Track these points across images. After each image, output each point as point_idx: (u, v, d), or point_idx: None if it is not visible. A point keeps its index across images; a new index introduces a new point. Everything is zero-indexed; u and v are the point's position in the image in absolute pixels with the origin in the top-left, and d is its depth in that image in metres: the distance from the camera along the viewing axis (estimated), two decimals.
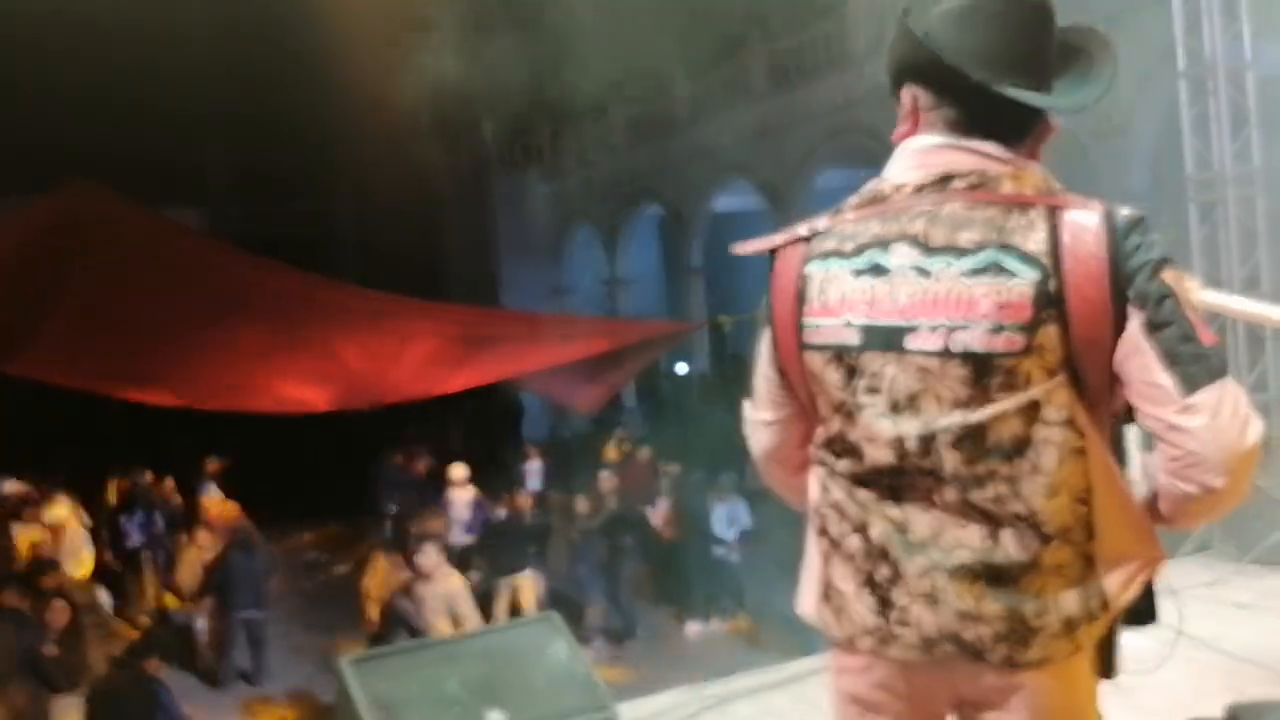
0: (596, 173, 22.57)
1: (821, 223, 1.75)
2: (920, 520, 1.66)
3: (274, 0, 15.90)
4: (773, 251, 1.80)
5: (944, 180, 1.66)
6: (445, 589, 8.08)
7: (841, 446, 1.72)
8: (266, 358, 11.09)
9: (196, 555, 10.21)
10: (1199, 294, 1.80)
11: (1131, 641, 1.73)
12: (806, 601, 1.83)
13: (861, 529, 1.71)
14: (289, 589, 12.68)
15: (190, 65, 18.80)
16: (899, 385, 1.64)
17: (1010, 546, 1.61)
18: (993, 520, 1.62)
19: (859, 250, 1.68)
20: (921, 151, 1.71)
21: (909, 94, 1.75)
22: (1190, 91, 7.47)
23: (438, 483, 13.07)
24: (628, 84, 21.34)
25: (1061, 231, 1.57)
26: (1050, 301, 1.55)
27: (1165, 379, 1.53)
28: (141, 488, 12.24)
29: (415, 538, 9.17)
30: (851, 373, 1.68)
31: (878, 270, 1.66)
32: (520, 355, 12.60)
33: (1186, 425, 1.52)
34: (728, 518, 10.75)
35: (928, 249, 1.62)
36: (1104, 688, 1.74)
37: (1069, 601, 1.61)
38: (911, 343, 1.63)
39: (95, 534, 11.87)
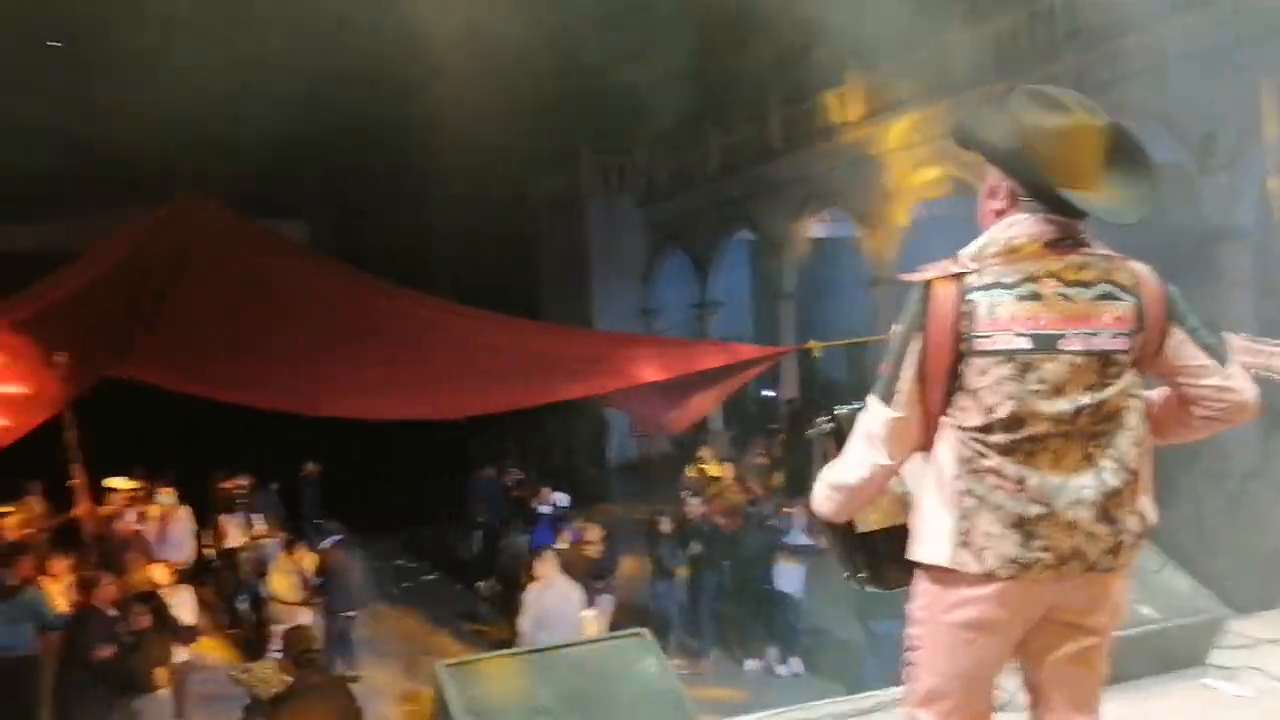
0: (690, 197, 22.73)
1: (967, 264, 2.38)
2: (1061, 470, 2.33)
3: (376, 27, 16.38)
4: (927, 283, 2.38)
5: (1059, 240, 2.38)
6: (555, 600, 8.20)
7: (1003, 424, 2.32)
8: (366, 368, 11.40)
9: (298, 557, 10.48)
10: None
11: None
12: (935, 551, 2.39)
13: (1019, 482, 2.32)
14: (379, 593, 12.95)
15: (295, 88, 19.40)
16: (1056, 376, 2.32)
17: (1112, 482, 2.34)
18: (1102, 464, 2.34)
19: (1018, 283, 2.33)
20: (1035, 220, 2.40)
21: (1004, 184, 2.45)
22: None
23: (525, 499, 13.32)
24: (723, 111, 21.53)
25: (1136, 274, 2.40)
26: (1139, 318, 2.36)
27: (1208, 360, 2.41)
28: (242, 490, 12.58)
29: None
30: (1022, 369, 2.32)
31: (1035, 296, 2.33)
32: (608, 374, 12.74)
33: (1232, 385, 2.42)
34: (798, 544, 10.58)
35: (1066, 282, 2.34)
36: None
37: (1133, 521, 2.38)
38: (1063, 346, 2.33)
39: (198, 533, 12.34)
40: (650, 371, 12.54)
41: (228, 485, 13.02)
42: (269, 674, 6.47)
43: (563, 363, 12.34)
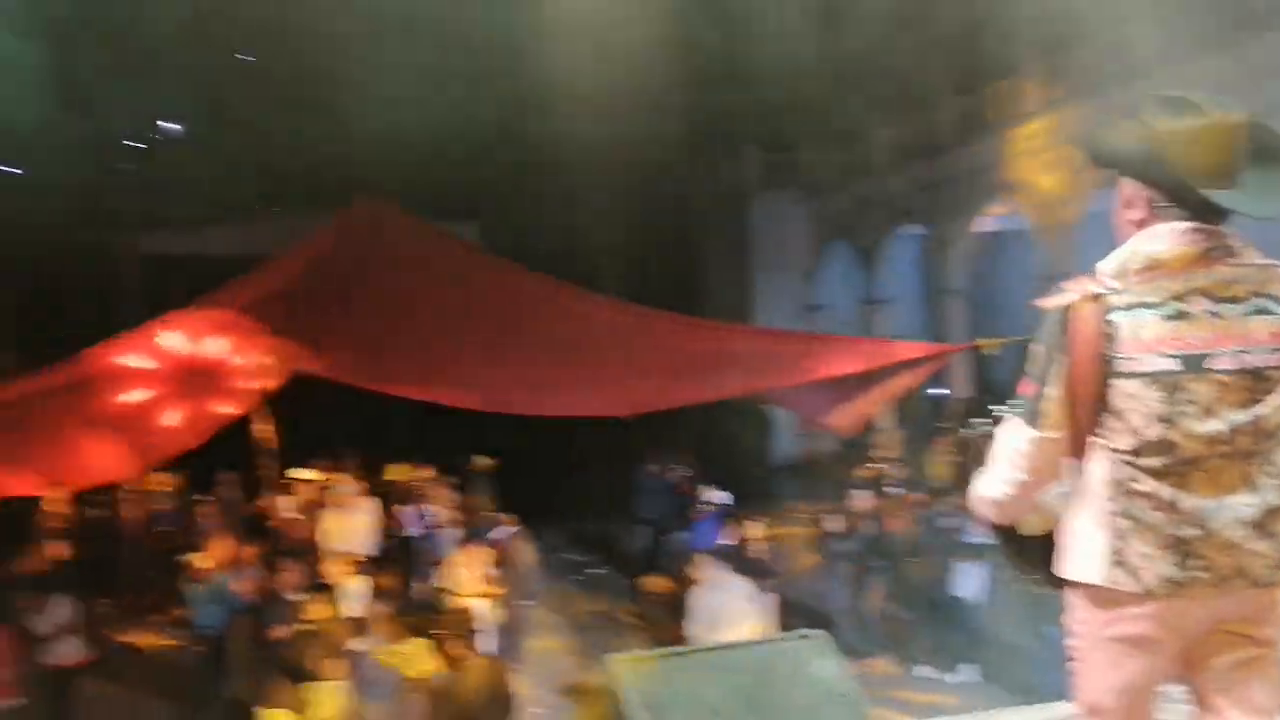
0: (856, 192, 22.36)
1: (1108, 283, 2.33)
2: (1218, 490, 2.28)
3: (540, 30, 16.66)
4: (1066, 306, 2.35)
5: (1206, 252, 2.32)
6: (718, 600, 8.21)
7: (1155, 447, 2.28)
8: (536, 365, 11.66)
9: (472, 549, 10.74)
10: None
11: None
12: (1088, 569, 2.38)
13: (1171, 505, 2.29)
14: (547, 585, 13.20)
15: (466, 91, 19.92)
16: (1205, 396, 2.26)
17: (1273, 500, 2.28)
18: (1262, 482, 2.28)
19: (1163, 302, 2.28)
20: (1178, 233, 2.34)
21: (1140, 193, 2.40)
22: None
23: (690, 496, 13.35)
24: (891, 103, 21.08)
25: None
26: None
27: None
28: (419, 482, 12.98)
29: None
30: (1170, 390, 2.26)
31: (1181, 315, 2.27)
32: (774, 371, 12.65)
33: None
34: (972, 550, 10.22)
35: (1215, 299, 2.27)
36: None
37: None
38: (1212, 365, 2.26)
39: (378, 524, 12.80)
40: (817, 369, 12.39)
41: (406, 477, 13.46)
42: (419, 653, 6.64)
43: (728, 360, 12.31)
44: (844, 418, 13.12)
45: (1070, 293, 2.37)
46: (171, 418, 11.33)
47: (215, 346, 11.26)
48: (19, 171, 19.73)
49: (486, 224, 25.99)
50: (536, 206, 25.80)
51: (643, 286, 17.94)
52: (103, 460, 11.92)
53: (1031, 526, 2.57)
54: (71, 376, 10.78)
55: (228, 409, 11.39)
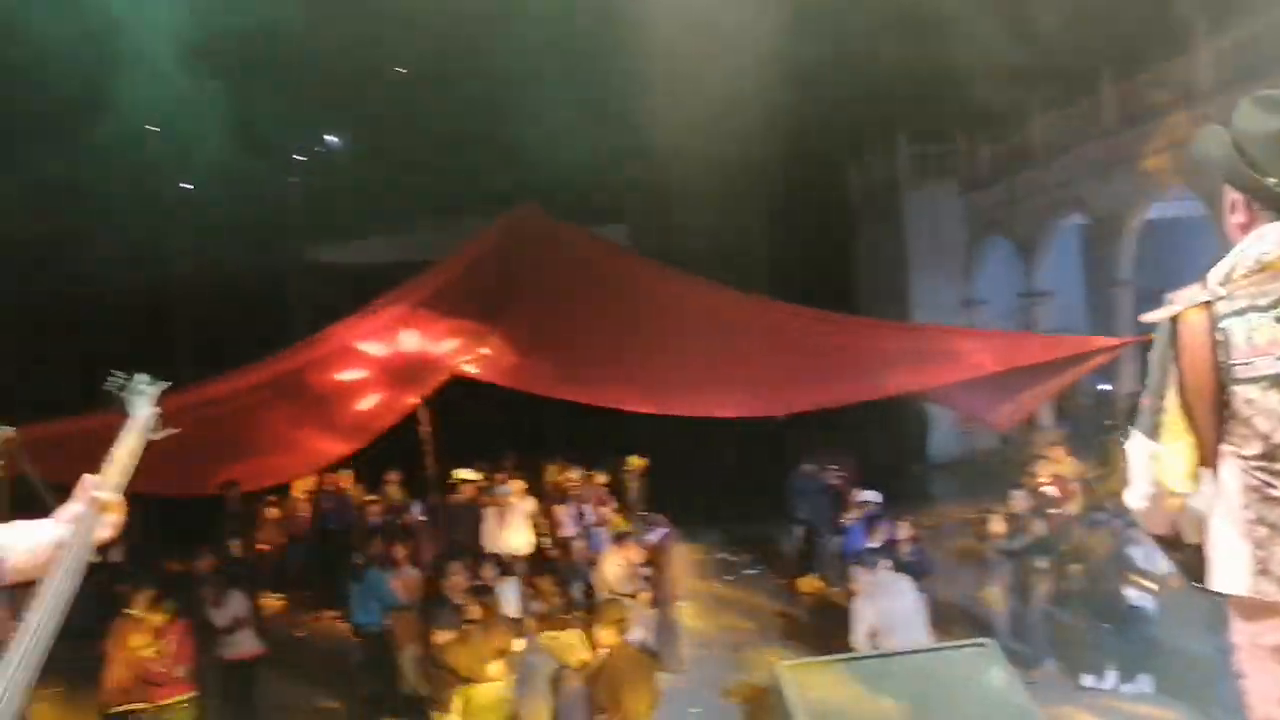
0: (1014, 182, 21.64)
1: (1216, 290, 2.28)
2: None
3: (691, 33, 16.68)
4: (1174, 318, 2.31)
5: None
6: (880, 605, 8.09)
7: None
8: (689, 365, 11.68)
9: (626, 548, 10.84)
10: None
11: None
12: (1234, 581, 2.31)
13: None
14: (700, 586, 13.24)
15: (615, 95, 20.12)
16: None
17: None
18: None
19: (1273, 304, 2.21)
20: None
21: (1240, 196, 2.36)
22: None
23: (844, 496, 13.17)
24: (1050, 90, 20.34)
25: None
26: None
27: None
28: (574, 482, 13.17)
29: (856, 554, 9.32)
30: None
31: None
32: (933, 368, 12.36)
33: None
34: (1144, 558, 9.30)
35: None
36: None
37: None
38: None
39: (535, 523, 13.07)
40: (977, 365, 12.06)
41: (560, 477, 13.68)
42: (576, 641, 6.72)
43: (885, 357, 12.09)
44: (1006, 414, 12.75)
45: (1177, 303, 2.34)
46: (372, 401, 11.96)
47: (420, 340, 11.78)
48: (189, 187, 20.89)
49: (634, 226, 26.27)
50: (684, 208, 25.96)
51: (795, 284, 17.80)
52: (313, 448, 12.72)
53: (1191, 533, 2.49)
54: (269, 375, 11.34)
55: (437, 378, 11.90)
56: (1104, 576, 9.27)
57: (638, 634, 10.01)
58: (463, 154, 21.44)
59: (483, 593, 8.86)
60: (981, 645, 4.18)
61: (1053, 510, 11.16)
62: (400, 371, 12.05)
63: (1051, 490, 11.65)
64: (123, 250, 18.43)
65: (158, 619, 7.92)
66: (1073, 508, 11.56)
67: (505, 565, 10.71)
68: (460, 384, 13.34)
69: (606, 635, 6.80)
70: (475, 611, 8.14)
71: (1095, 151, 19.11)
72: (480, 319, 12.05)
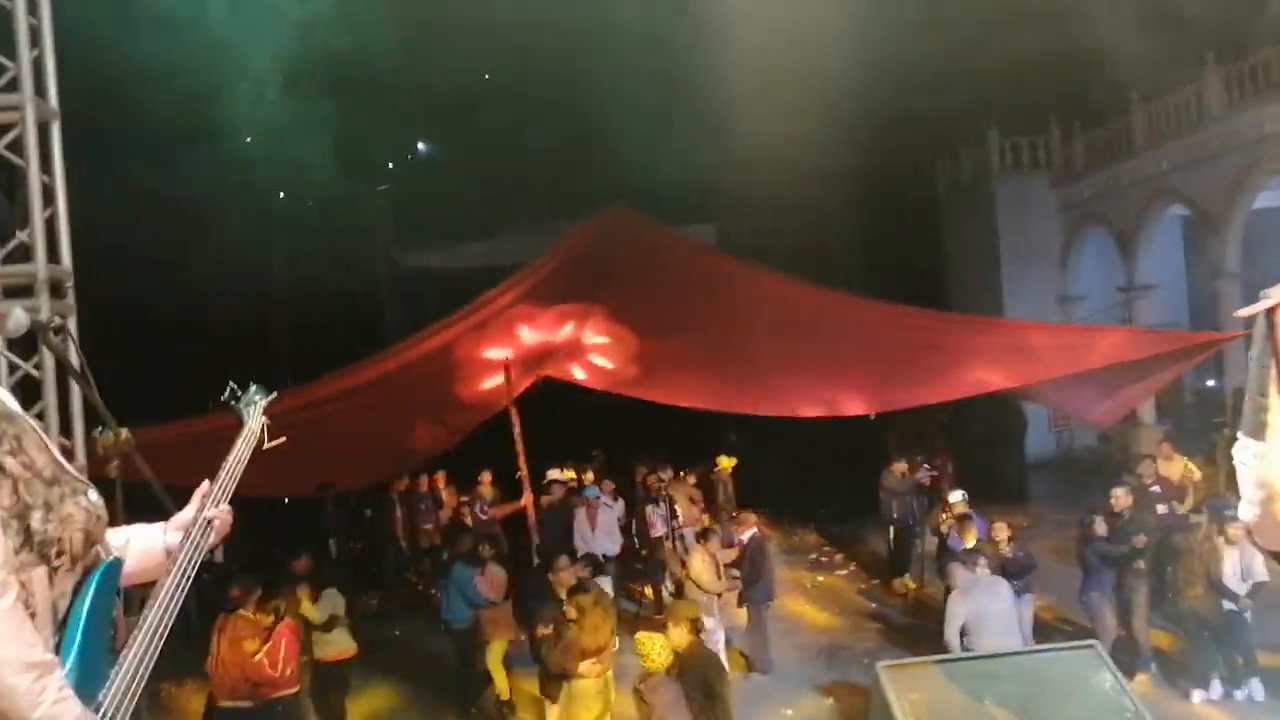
0: (1111, 174, 21.03)
1: None
2: None
3: (773, 27, 16.56)
4: (1269, 312, 2.24)
5: None
6: (981, 602, 7.91)
7: None
8: (779, 365, 11.61)
9: (715, 548, 10.81)
10: None
11: None
12: None
13: None
14: (791, 586, 13.15)
15: (701, 100, 20.10)
16: None
17: None
18: None
19: None
20: None
21: None
22: None
23: (936, 496, 12.98)
24: (1147, 76, 19.73)
25: None
26: None
27: None
28: (664, 483, 13.18)
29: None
30: None
31: None
32: (1029, 366, 12.10)
33: None
34: (1240, 566, 8.89)
35: None
36: None
37: None
38: None
39: (625, 523, 13.12)
40: (1077, 361, 11.78)
41: (651, 477, 13.70)
42: (658, 646, 6.72)
43: (980, 354, 11.88)
44: (1107, 412, 12.44)
45: (1272, 297, 2.26)
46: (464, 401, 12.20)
47: (514, 340, 11.95)
48: (283, 194, 21.43)
49: (722, 225, 26.22)
50: (772, 206, 25.80)
51: (883, 281, 17.59)
52: (407, 449, 13.01)
53: None
54: (365, 378, 11.59)
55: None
56: (1205, 581, 8.93)
57: (720, 635, 10.03)
58: (549, 159, 21.65)
59: (581, 591, 8.89)
60: (1089, 647, 4.06)
61: (1160, 510, 10.84)
62: (492, 372, 12.20)
63: (1157, 490, 11.31)
64: (226, 259, 19.01)
65: (267, 619, 8.11)
66: (1180, 508, 11.22)
67: (598, 565, 10.75)
68: (551, 385, 13.46)
69: (678, 635, 6.81)
70: (573, 610, 8.18)
71: (1198, 140, 18.49)
72: (572, 319, 12.12)
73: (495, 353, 12.09)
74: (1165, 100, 19.49)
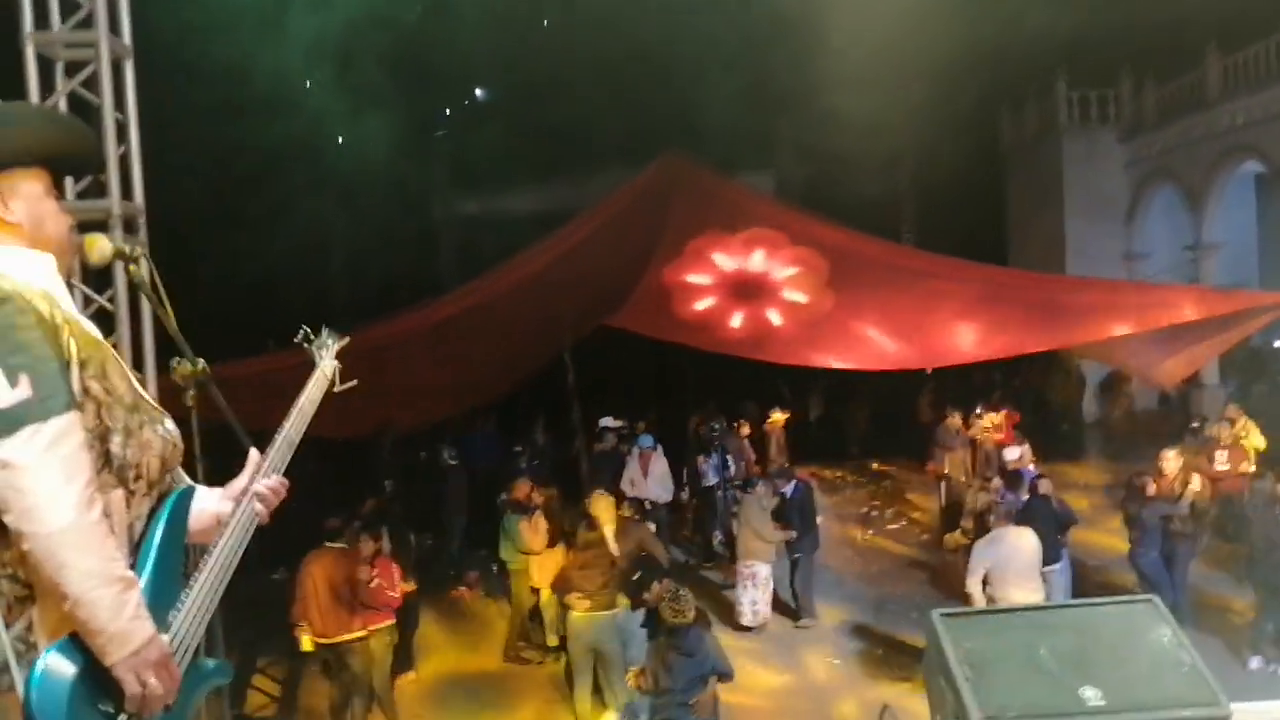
0: (1182, 128, 20.46)
1: None
2: None
3: None
4: None
5: None
6: (1005, 553, 7.86)
7: None
8: (835, 317, 11.54)
9: (763, 498, 10.82)
10: None
11: None
12: None
13: None
14: (841, 538, 13.17)
15: (760, 44, 19.83)
16: None
17: None
18: None
19: None
20: None
21: None
22: None
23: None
24: (1225, 27, 19.11)
25: None
26: None
27: None
28: (719, 433, 13.19)
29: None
30: None
31: None
32: (1089, 323, 11.93)
33: None
34: None
35: None
36: None
37: None
38: None
39: (676, 473, 13.17)
40: (1140, 320, 11.59)
41: (704, 428, 13.73)
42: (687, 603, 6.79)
43: (1037, 310, 11.72)
44: (1171, 371, 12.24)
45: None
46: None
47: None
48: (340, 139, 21.48)
49: (780, 174, 25.96)
50: (831, 155, 25.43)
51: (944, 234, 17.35)
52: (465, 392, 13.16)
53: None
54: (423, 322, 11.70)
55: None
56: (1266, 549, 8.76)
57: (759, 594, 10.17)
58: (604, 106, 21.50)
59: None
60: (1148, 601, 4.03)
61: (1221, 473, 10.67)
62: (552, 318, 12.17)
63: (1222, 456, 11.13)
64: (284, 204, 19.18)
65: (368, 548, 8.29)
66: (1241, 471, 11.03)
67: (642, 509, 10.78)
68: (605, 333, 13.48)
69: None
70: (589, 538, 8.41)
71: (1277, 94, 17.92)
72: (629, 265, 12.10)
73: (546, 299, 12.07)
74: (1243, 52, 18.89)
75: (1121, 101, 21.98)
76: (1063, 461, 15.04)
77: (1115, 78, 21.75)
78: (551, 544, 9.74)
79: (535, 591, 9.99)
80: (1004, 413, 13.82)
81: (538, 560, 9.81)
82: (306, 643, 8.12)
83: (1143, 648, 3.85)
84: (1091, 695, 3.67)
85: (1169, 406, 19.50)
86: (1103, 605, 4.28)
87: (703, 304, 12.33)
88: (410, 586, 9.39)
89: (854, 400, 17.59)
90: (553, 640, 9.88)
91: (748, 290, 12.07)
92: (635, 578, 8.15)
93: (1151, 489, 9.60)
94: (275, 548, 8.38)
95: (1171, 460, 9.84)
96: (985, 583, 7.91)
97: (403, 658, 9.24)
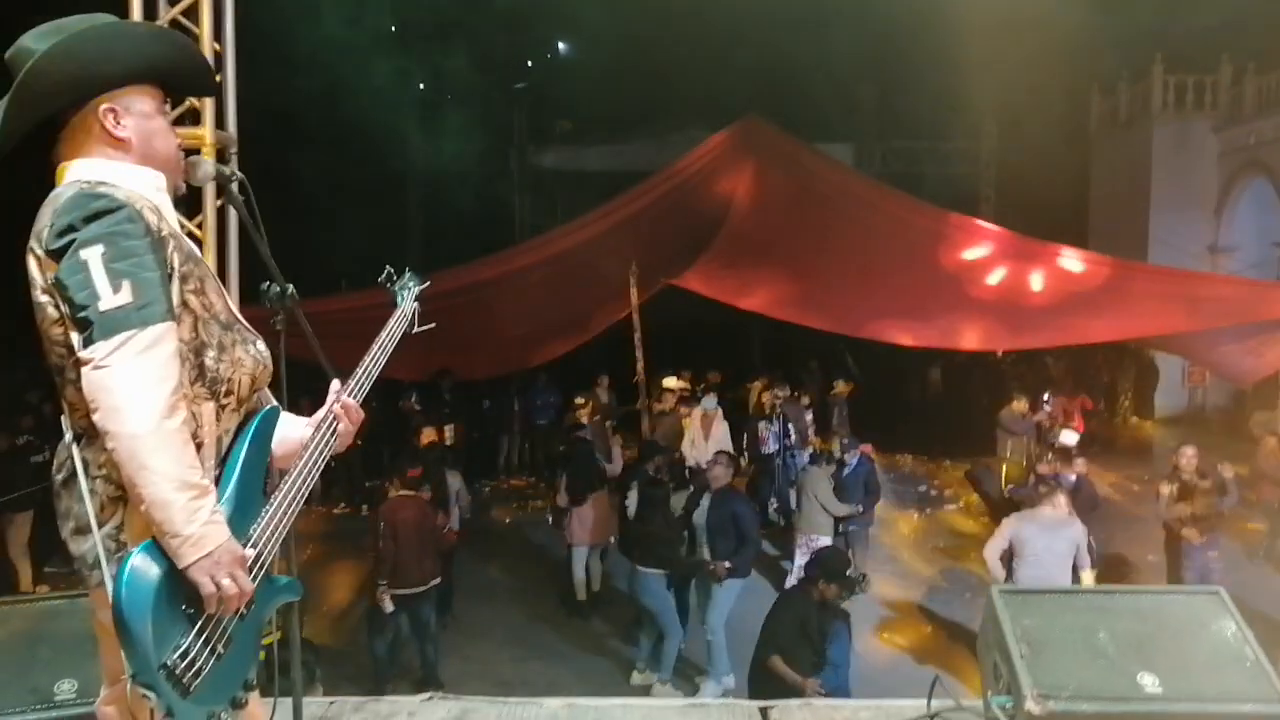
0: None
1: None
2: None
3: None
4: None
5: None
6: (1031, 532, 7.72)
7: None
8: (908, 292, 11.40)
9: (825, 469, 10.78)
10: None
11: None
12: None
13: None
14: (900, 516, 13.11)
15: (849, 15, 19.52)
16: None
17: None
18: None
19: None
20: None
21: None
22: None
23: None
24: None
25: None
26: None
27: None
28: (781, 401, 13.15)
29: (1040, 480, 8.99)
30: None
31: None
32: (1168, 314, 11.65)
33: None
34: None
35: None
36: None
37: None
38: None
39: (736, 438, 13.14)
40: (1219, 314, 11.31)
41: (766, 395, 13.69)
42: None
43: (1117, 297, 11.47)
44: (1253, 369, 11.94)
45: None
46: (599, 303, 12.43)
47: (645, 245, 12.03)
48: (422, 85, 21.59)
49: (858, 146, 25.66)
50: (913, 130, 25.09)
51: (1023, 216, 17.00)
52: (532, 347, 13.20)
53: None
54: (494, 273, 11.76)
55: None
56: None
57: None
58: (686, 67, 21.35)
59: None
60: (1214, 593, 3.96)
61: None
62: (623, 275, 12.13)
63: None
64: (365, 150, 19.41)
65: (426, 495, 8.43)
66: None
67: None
68: (673, 294, 13.46)
69: None
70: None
71: None
72: (701, 229, 12.05)
73: (622, 259, 12.05)
74: None
75: (1219, 89, 21.27)
76: (1131, 454, 14.79)
77: (1214, 64, 21.04)
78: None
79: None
80: (1078, 399, 13.58)
81: (579, 514, 9.91)
82: (388, 602, 7.80)
83: (1205, 639, 3.80)
84: (1149, 682, 3.63)
85: (1242, 406, 19.06)
86: (1168, 594, 4.23)
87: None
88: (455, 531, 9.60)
89: (921, 378, 17.43)
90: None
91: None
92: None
93: (1163, 489, 9.40)
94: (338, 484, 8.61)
95: (1190, 458, 9.48)
96: (1005, 556, 7.74)
97: (445, 601, 9.42)
